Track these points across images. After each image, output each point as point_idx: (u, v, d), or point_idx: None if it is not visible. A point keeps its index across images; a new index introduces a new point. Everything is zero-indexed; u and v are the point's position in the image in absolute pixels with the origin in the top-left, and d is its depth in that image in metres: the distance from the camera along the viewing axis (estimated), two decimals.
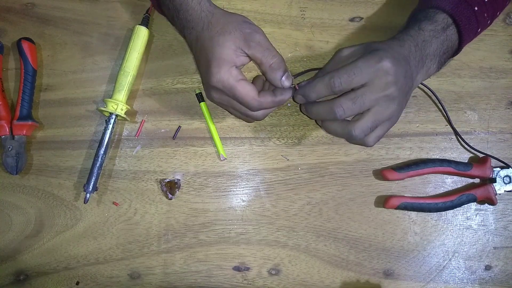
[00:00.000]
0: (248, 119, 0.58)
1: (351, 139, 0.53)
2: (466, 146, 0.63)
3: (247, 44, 0.52)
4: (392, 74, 0.50)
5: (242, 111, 0.55)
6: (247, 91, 0.52)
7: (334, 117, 0.51)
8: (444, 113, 0.63)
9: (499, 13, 0.61)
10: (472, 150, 0.63)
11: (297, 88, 0.54)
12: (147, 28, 0.61)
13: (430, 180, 0.63)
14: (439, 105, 0.63)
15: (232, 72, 0.51)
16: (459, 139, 0.63)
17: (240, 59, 0.52)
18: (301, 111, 0.61)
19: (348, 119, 0.52)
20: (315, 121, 0.61)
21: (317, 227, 0.62)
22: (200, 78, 0.63)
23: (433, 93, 0.63)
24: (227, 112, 0.63)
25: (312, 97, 0.53)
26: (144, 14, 0.61)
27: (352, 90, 0.51)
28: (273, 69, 0.53)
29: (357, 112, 0.51)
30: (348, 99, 0.50)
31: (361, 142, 0.53)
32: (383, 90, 0.50)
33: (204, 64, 0.53)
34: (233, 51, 0.51)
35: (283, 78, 0.53)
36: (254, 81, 0.59)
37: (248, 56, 0.53)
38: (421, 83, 0.61)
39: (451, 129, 0.64)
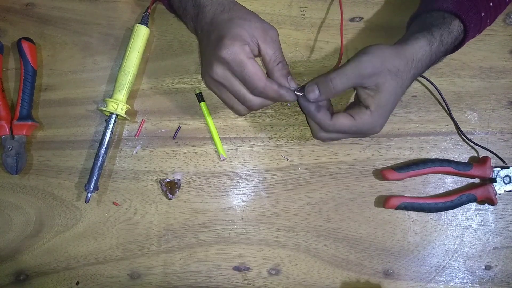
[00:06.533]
0: (241, 107, 0.55)
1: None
2: (466, 140, 0.63)
3: (264, 37, 0.52)
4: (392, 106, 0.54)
5: (241, 93, 0.53)
6: (257, 70, 0.51)
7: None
8: (446, 107, 0.63)
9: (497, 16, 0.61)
10: (472, 144, 0.63)
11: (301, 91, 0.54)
12: (147, 26, 0.61)
13: (430, 180, 0.63)
14: (442, 103, 0.63)
15: (246, 48, 0.51)
16: (459, 132, 0.63)
17: (252, 45, 0.52)
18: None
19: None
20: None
21: (317, 227, 0.62)
22: (200, 78, 0.63)
23: (435, 87, 0.63)
24: (227, 112, 0.63)
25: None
26: (144, 13, 0.61)
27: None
28: (280, 68, 0.54)
29: None
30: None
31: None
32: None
33: (215, 39, 0.52)
34: (249, 36, 0.51)
35: (289, 78, 0.54)
36: None
37: (259, 49, 0.53)
38: (427, 79, 0.63)
39: (451, 129, 0.64)
